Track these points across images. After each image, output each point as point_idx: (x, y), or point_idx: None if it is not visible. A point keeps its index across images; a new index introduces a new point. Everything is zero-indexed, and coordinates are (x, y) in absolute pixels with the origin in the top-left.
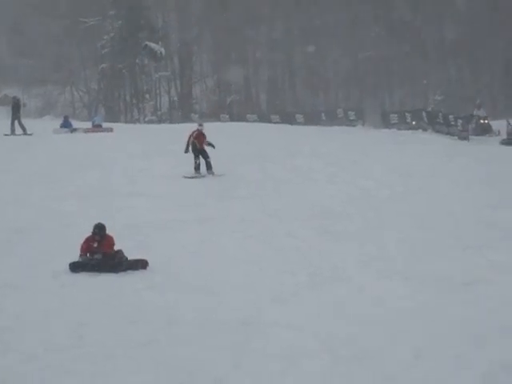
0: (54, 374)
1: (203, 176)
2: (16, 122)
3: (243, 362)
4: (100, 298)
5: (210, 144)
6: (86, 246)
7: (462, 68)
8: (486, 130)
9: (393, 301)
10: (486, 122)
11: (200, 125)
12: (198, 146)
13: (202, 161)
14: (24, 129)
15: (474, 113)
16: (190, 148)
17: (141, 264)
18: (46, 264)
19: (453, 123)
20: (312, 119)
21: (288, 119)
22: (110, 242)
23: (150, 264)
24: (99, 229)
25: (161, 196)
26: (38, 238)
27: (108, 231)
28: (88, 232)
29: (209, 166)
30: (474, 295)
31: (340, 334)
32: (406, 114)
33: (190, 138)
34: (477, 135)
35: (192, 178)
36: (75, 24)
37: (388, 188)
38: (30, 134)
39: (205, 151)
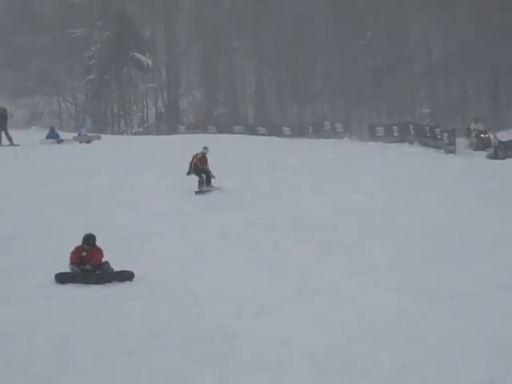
0: None
1: (216, 189)
2: (3, 133)
3: (228, 374)
4: (85, 309)
5: (210, 173)
6: (75, 255)
7: (449, 81)
8: (486, 145)
9: (379, 313)
10: (487, 136)
11: (204, 148)
12: (199, 166)
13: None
14: (10, 139)
15: (472, 127)
16: (192, 170)
17: (127, 275)
18: (30, 275)
19: (439, 137)
20: (299, 131)
21: (275, 131)
22: (98, 253)
23: (136, 275)
24: (89, 239)
25: (147, 207)
26: (21, 248)
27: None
28: (73, 242)
29: (208, 181)
30: (460, 308)
31: (326, 346)
32: (394, 126)
33: (192, 159)
34: (477, 150)
35: (206, 191)
36: (62, 35)
37: (375, 200)
38: (17, 145)
39: (208, 170)
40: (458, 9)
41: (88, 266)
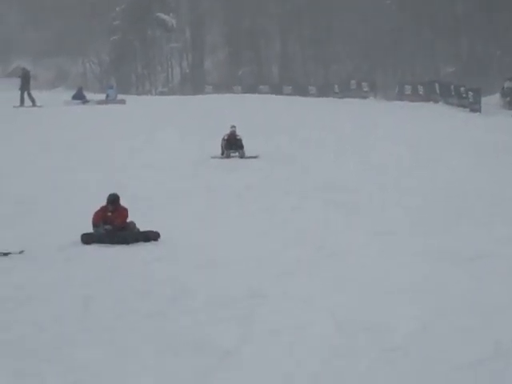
0: (65, 344)
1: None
2: (25, 94)
3: (251, 334)
4: (109, 270)
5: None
6: (100, 216)
7: (474, 40)
8: None
9: (399, 275)
10: None
11: (232, 126)
12: (231, 141)
13: None
14: (33, 100)
15: (505, 85)
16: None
17: (152, 236)
18: (55, 235)
19: (464, 95)
20: (324, 91)
21: (300, 91)
22: (123, 213)
23: (161, 236)
24: (113, 199)
25: (171, 168)
26: (45, 209)
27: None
28: (98, 202)
29: (241, 154)
30: (480, 269)
31: (346, 307)
32: (419, 86)
33: (222, 141)
34: (511, 109)
35: (219, 158)
36: None
37: (398, 161)
38: (40, 106)
39: (240, 142)
40: None
41: (109, 226)
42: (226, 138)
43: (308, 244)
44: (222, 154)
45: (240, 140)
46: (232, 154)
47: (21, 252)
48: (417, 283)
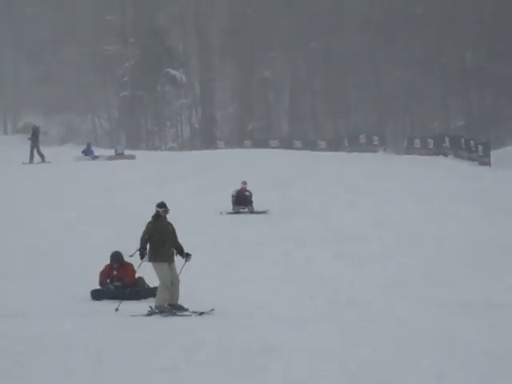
0: None
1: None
2: (35, 151)
3: None
4: (121, 324)
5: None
6: (106, 275)
7: (483, 93)
8: None
9: (414, 325)
10: None
11: (243, 182)
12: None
13: None
14: (42, 156)
15: None
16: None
17: None
18: (66, 290)
19: (474, 149)
20: (334, 145)
21: (310, 145)
22: (129, 269)
23: None
24: (116, 257)
25: (180, 222)
26: (60, 262)
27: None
28: (106, 257)
29: (251, 209)
30: (495, 319)
31: (360, 359)
32: (429, 139)
33: (232, 197)
34: None
35: (228, 214)
36: (96, 51)
37: (409, 212)
38: (49, 162)
39: (249, 197)
40: (491, 20)
41: (117, 282)
42: (234, 194)
43: (320, 296)
44: (232, 209)
45: (249, 196)
46: (241, 210)
47: (212, 310)
48: (431, 333)
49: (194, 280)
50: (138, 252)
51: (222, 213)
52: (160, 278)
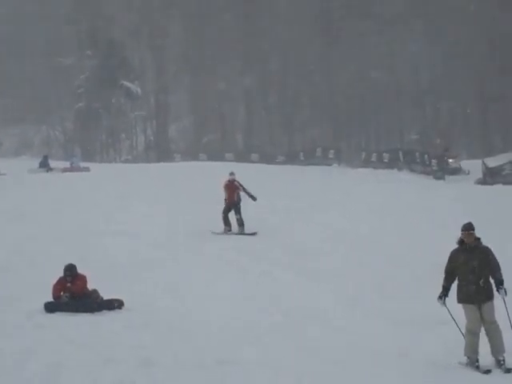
0: None
1: (232, 233)
2: None
3: None
4: (75, 338)
5: (250, 196)
6: (59, 288)
7: (438, 107)
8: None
9: (369, 340)
10: None
11: (231, 174)
12: (227, 200)
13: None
14: None
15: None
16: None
17: (116, 304)
18: (20, 304)
19: (428, 163)
20: (290, 159)
21: (266, 158)
22: (82, 280)
23: (127, 304)
24: (69, 269)
25: (138, 235)
26: (11, 278)
27: (84, 270)
28: (60, 271)
29: (240, 223)
30: (449, 334)
31: (315, 374)
32: (384, 153)
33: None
34: None
35: (220, 234)
36: (51, 63)
37: (365, 227)
38: (4, 174)
39: (236, 205)
40: (447, 36)
41: (68, 294)
42: (224, 186)
43: (276, 310)
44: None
45: (240, 185)
46: (228, 232)
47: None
48: (387, 348)
49: (148, 294)
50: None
51: (213, 232)
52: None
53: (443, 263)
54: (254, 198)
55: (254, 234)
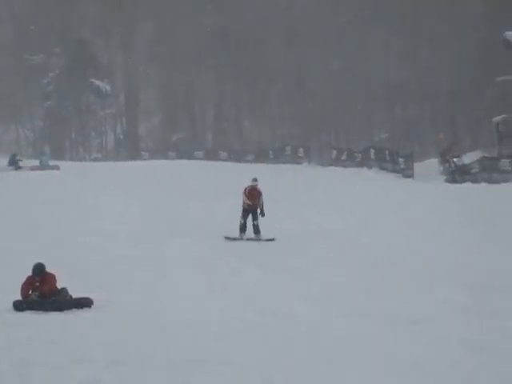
0: None
1: (246, 239)
2: None
3: None
4: (44, 337)
5: (261, 209)
6: (27, 287)
7: (407, 106)
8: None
9: (341, 339)
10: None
11: (254, 180)
12: (248, 203)
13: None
14: None
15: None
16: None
17: (85, 302)
18: None
19: (397, 161)
20: (260, 157)
21: (236, 156)
22: (51, 279)
23: (95, 302)
24: (38, 269)
25: (111, 233)
26: None
27: (54, 269)
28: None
29: (256, 230)
30: (421, 333)
31: (285, 372)
32: (355, 152)
33: (245, 191)
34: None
35: (234, 239)
36: (20, 61)
37: (334, 225)
38: None
39: (255, 212)
40: (417, 35)
41: (37, 293)
42: (247, 190)
43: (247, 308)
44: (243, 204)
45: (260, 194)
46: (244, 238)
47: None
48: (358, 346)
49: (119, 292)
50: None
51: (227, 238)
52: None
53: (412, 261)
54: (263, 214)
55: (272, 239)
